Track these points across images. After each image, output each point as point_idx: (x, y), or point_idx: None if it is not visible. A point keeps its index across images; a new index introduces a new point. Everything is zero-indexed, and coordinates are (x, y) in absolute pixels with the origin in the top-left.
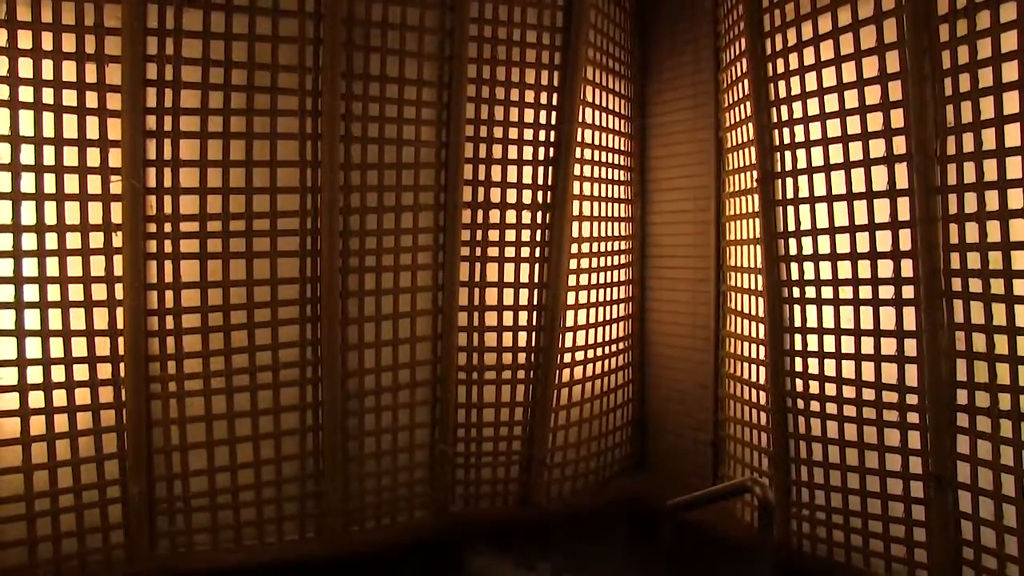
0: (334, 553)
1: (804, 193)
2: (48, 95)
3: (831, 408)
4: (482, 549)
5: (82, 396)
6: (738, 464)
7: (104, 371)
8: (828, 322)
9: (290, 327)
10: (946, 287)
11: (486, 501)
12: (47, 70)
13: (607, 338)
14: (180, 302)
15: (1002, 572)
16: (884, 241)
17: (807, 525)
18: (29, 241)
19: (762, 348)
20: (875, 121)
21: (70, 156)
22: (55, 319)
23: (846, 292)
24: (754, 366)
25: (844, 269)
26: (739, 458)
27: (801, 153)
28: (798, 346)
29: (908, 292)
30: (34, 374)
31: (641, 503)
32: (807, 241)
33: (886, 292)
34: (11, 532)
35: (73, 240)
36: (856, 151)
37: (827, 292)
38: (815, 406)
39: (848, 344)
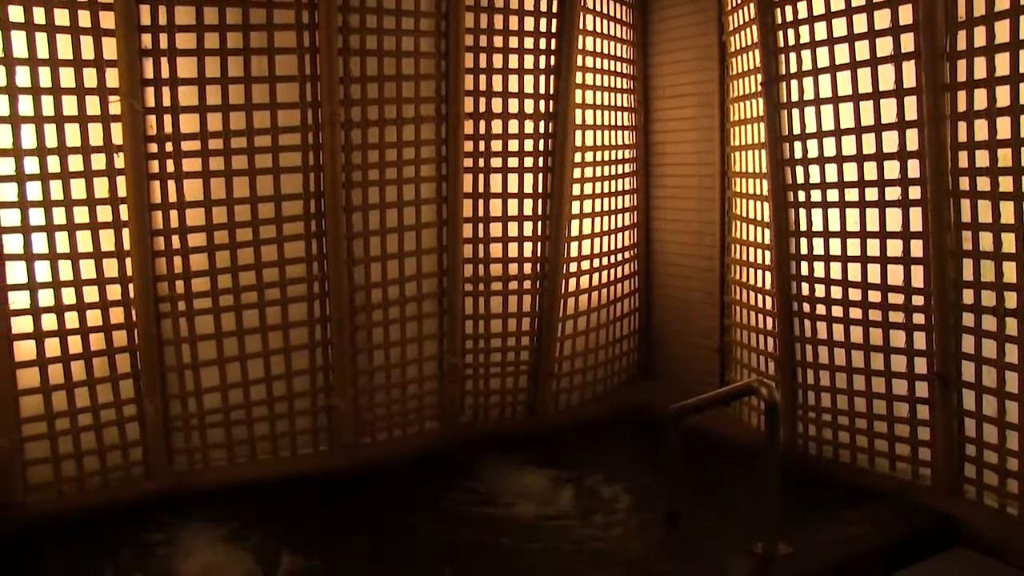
0: (347, 465)
1: (809, 95)
2: (39, 15)
3: (837, 311)
4: (491, 456)
5: (93, 318)
6: (744, 369)
7: (113, 292)
8: (834, 225)
9: (295, 243)
10: (953, 186)
11: (495, 411)
12: None
13: (612, 247)
14: (185, 221)
15: (1002, 466)
16: (891, 142)
17: (813, 428)
18: (31, 164)
19: (768, 253)
20: (882, 18)
21: (66, 77)
22: (62, 242)
23: (852, 194)
24: (760, 271)
25: (850, 171)
26: (745, 363)
27: (806, 54)
28: (804, 250)
29: (915, 193)
30: (45, 297)
31: (647, 411)
32: (812, 144)
33: (892, 194)
34: (36, 450)
35: (75, 163)
36: (863, 50)
37: (833, 195)
38: (821, 310)
39: (854, 247)
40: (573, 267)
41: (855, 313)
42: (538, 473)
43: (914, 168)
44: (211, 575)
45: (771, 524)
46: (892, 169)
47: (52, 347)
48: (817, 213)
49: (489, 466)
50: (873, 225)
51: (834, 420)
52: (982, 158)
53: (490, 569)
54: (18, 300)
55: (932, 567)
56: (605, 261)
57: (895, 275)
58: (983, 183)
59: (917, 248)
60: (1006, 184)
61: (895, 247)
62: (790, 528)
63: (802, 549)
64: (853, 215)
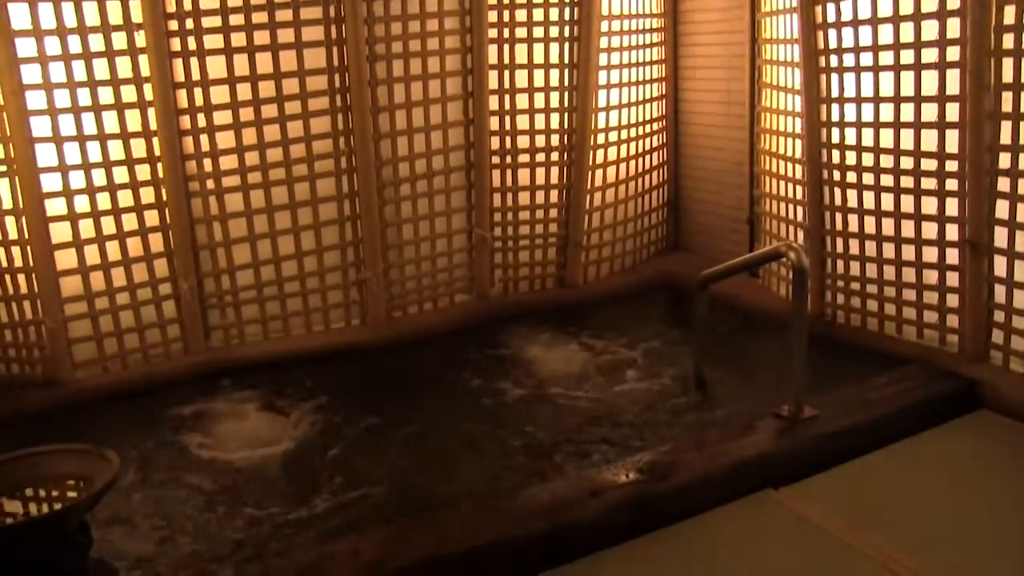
0: (379, 338)
1: None
2: None
3: (868, 179)
4: (522, 326)
5: (124, 198)
6: (773, 239)
7: (143, 172)
8: (867, 90)
9: (321, 118)
10: (996, 45)
11: (525, 284)
12: None
13: (640, 119)
14: (210, 99)
15: None
16: (930, 0)
17: (841, 296)
18: (52, 46)
19: (798, 121)
20: None
21: None
22: (89, 123)
23: (887, 58)
24: (790, 140)
25: (885, 33)
26: (775, 234)
27: None
28: (835, 117)
29: (953, 54)
30: (76, 179)
31: (677, 282)
32: (846, 6)
33: (929, 56)
34: (78, 329)
35: (96, 42)
36: None
37: (867, 59)
38: (852, 177)
39: (887, 112)
40: (601, 138)
41: (886, 180)
42: (568, 340)
43: (953, 28)
44: (250, 435)
45: (797, 387)
46: (930, 30)
47: (86, 228)
48: (850, 78)
49: (520, 336)
50: (908, 90)
51: (863, 288)
52: None
53: (521, 424)
54: (50, 183)
55: (955, 428)
56: (633, 132)
57: (929, 140)
58: None
59: (953, 112)
60: None
61: (930, 111)
62: (817, 392)
63: (828, 411)
64: (887, 79)
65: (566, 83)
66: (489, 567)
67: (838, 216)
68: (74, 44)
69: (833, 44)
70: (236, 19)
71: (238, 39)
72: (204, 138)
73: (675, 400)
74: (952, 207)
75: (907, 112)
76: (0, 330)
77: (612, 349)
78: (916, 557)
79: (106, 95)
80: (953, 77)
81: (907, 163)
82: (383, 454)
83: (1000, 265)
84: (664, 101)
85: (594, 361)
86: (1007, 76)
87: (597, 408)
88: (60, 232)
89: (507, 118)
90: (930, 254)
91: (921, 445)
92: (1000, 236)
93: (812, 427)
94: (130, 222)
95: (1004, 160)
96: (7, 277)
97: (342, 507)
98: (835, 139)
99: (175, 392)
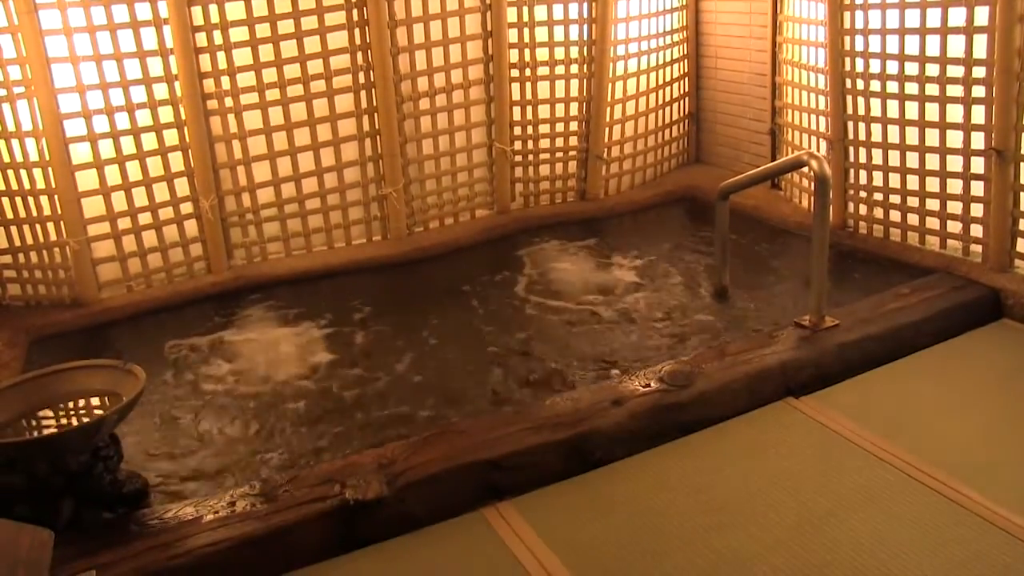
0: (401, 253)
1: None
2: None
3: (892, 87)
4: (543, 240)
5: (143, 118)
6: (795, 151)
7: (161, 91)
8: None
9: (338, 33)
10: None
11: (546, 197)
12: None
13: (661, 30)
14: (225, 16)
15: None
16: None
17: (864, 207)
18: None
19: (821, 29)
20: None
21: None
22: (105, 43)
23: None
24: (813, 49)
25: None
26: (796, 145)
27: None
28: (859, 24)
29: None
30: (94, 99)
31: (698, 194)
32: None
33: None
34: (102, 249)
35: None
36: None
37: None
38: (875, 86)
39: (913, 18)
40: (621, 50)
41: (911, 88)
42: (589, 253)
43: None
44: (273, 349)
45: (817, 296)
46: None
47: (106, 149)
48: None
49: (541, 249)
50: None
51: (885, 199)
52: None
53: (542, 333)
54: (68, 104)
55: (977, 337)
56: (654, 44)
57: (956, 46)
58: None
59: (982, 16)
60: None
61: (958, 15)
62: (838, 302)
63: (849, 321)
64: None
65: None
66: (512, 475)
67: (861, 126)
68: None
69: None
70: None
71: None
72: (221, 55)
73: (696, 310)
74: (978, 114)
75: (933, 17)
76: (26, 252)
77: (633, 261)
78: (936, 465)
79: (121, 13)
80: None
81: (932, 70)
82: (403, 361)
83: None
84: (685, 11)
85: (615, 272)
86: None
87: (618, 318)
88: (80, 153)
89: (526, 30)
90: (955, 163)
91: (942, 354)
92: None
93: (833, 336)
94: (149, 142)
95: None
96: (30, 199)
97: (360, 418)
98: (859, 47)
99: (199, 310)
